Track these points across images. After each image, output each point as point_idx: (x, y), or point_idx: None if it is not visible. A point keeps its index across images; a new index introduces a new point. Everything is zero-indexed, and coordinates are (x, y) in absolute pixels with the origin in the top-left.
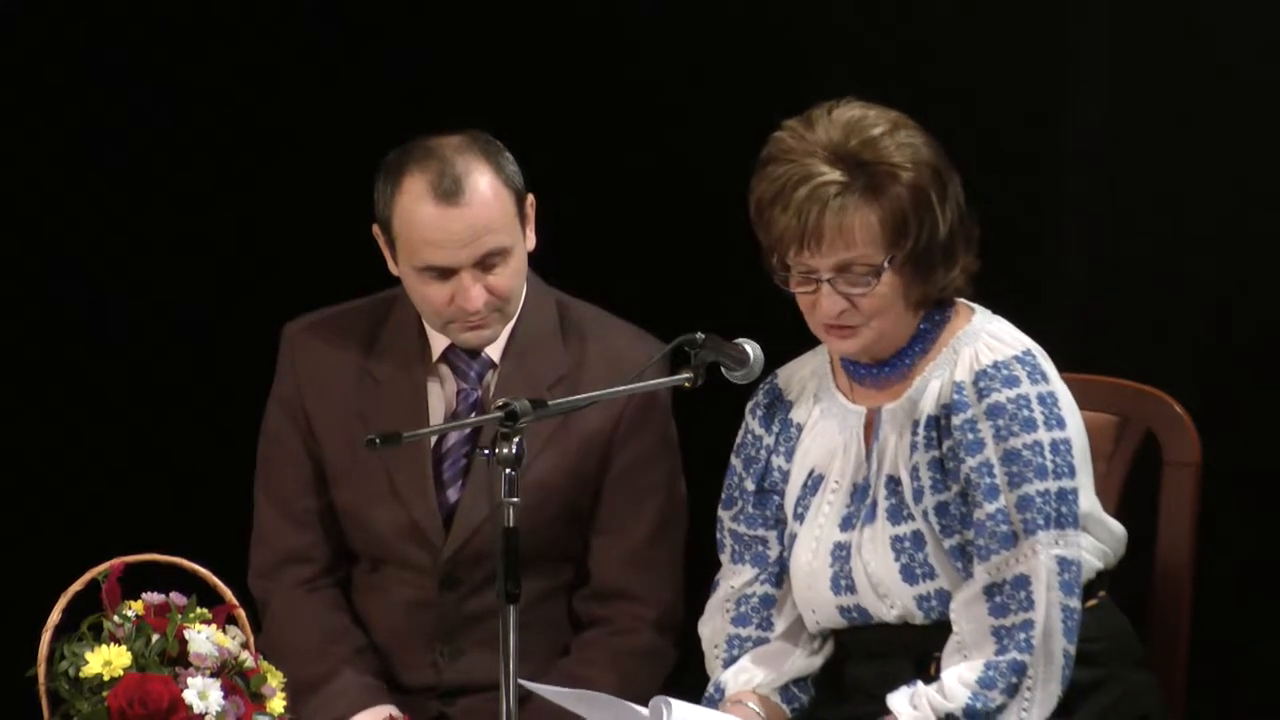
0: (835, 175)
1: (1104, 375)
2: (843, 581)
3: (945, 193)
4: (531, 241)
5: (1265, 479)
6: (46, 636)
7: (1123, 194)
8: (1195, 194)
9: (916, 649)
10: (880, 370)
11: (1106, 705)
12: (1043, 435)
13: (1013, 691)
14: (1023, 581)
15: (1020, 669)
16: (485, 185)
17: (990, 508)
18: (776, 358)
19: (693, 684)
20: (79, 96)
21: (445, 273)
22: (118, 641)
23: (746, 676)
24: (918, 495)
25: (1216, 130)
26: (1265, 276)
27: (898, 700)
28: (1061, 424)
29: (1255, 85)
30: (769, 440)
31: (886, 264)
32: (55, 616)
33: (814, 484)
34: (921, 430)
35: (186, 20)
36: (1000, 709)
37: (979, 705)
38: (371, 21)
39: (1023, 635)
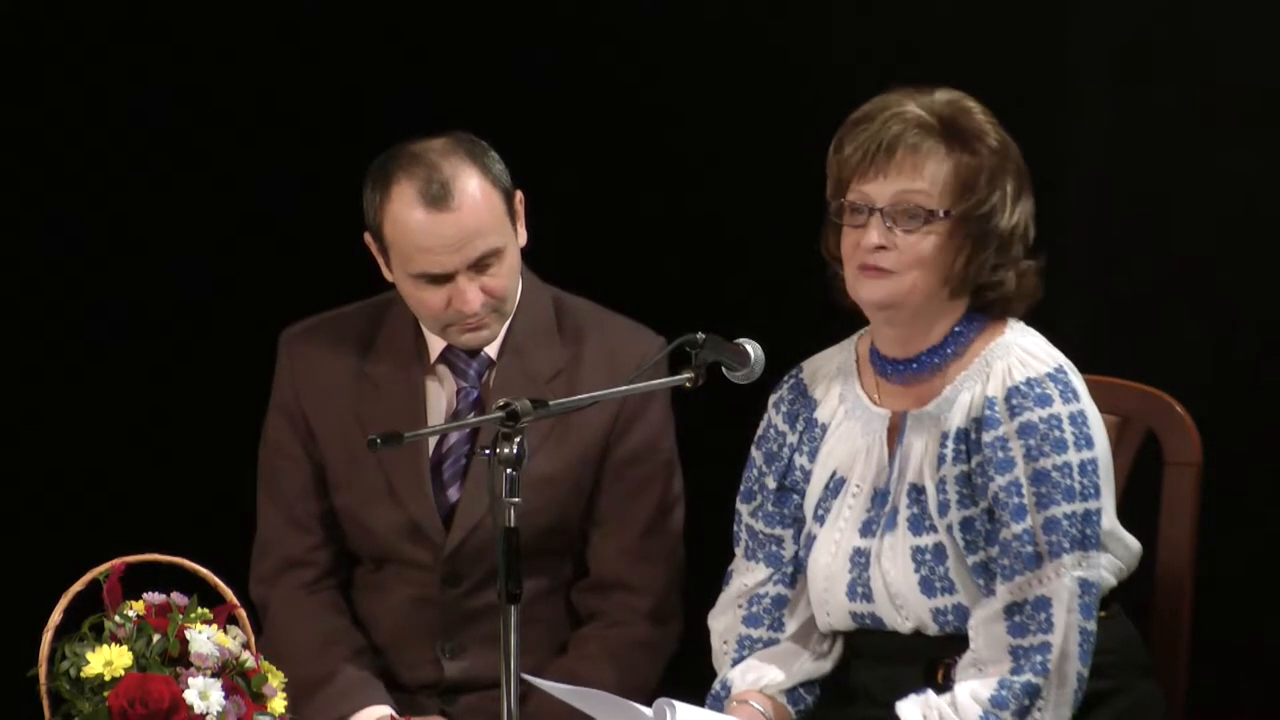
0: (926, 117)
1: (1105, 376)
2: (859, 589)
3: (1020, 192)
4: (523, 238)
5: (1265, 479)
6: (48, 636)
7: (1123, 194)
8: (1196, 194)
9: (926, 657)
10: (909, 367)
11: (1115, 716)
12: (1072, 456)
13: (1024, 714)
14: (1044, 603)
15: (1034, 691)
16: (474, 187)
17: (1017, 528)
18: (777, 358)
19: (692, 677)
20: (76, 97)
21: (440, 278)
22: (119, 641)
23: (754, 676)
24: (943, 508)
25: (1217, 130)
26: (1266, 277)
27: (908, 709)
28: (1090, 443)
29: (1256, 85)
30: (792, 438)
31: (943, 213)
32: (56, 616)
33: (835, 486)
34: (950, 443)
35: (185, 21)
36: None
37: None
38: (370, 20)
39: (1039, 657)
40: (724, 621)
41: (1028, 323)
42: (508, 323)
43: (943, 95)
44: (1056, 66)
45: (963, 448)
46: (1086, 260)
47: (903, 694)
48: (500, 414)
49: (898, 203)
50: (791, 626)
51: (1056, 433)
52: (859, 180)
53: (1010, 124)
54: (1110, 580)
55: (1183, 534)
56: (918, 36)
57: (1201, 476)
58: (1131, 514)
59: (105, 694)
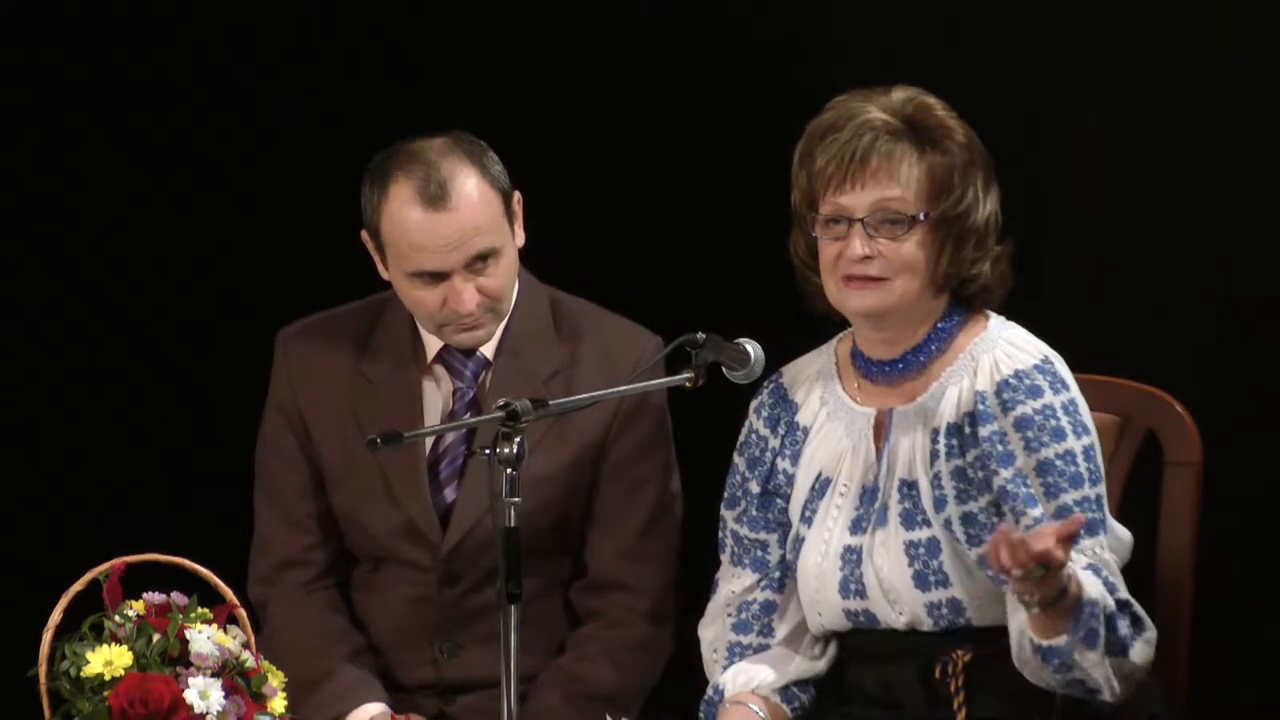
0: (892, 122)
1: (1105, 375)
2: (852, 586)
3: (989, 183)
4: (520, 239)
5: (1265, 479)
6: (48, 636)
7: (1123, 194)
8: (1195, 194)
9: (921, 656)
10: (894, 366)
11: (1113, 707)
12: (1073, 444)
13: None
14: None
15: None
16: (471, 188)
17: (1034, 513)
18: (777, 358)
19: (690, 677)
20: (71, 103)
21: (436, 277)
22: (119, 641)
23: (745, 678)
24: (939, 504)
25: (1217, 130)
26: (1265, 276)
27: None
28: (1087, 430)
29: (1255, 85)
30: (774, 442)
31: (922, 216)
32: (56, 616)
33: (821, 487)
34: (942, 438)
35: (180, 23)
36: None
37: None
38: (371, 20)
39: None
40: (713, 630)
41: (1027, 321)
42: (504, 323)
43: (900, 94)
44: (1056, 66)
45: (955, 443)
46: (1087, 260)
47: (899, 693)
48: (501, 414)
49: (876, 211)
50: (782, 631)
51: (1053, 422)
52: (834, 192)
53: (1010, 124)
54: None
55: (1183, 534)
56: (918, 36)
57: (1201, 476)
58: (1131, 514)
59: (105, 694)
